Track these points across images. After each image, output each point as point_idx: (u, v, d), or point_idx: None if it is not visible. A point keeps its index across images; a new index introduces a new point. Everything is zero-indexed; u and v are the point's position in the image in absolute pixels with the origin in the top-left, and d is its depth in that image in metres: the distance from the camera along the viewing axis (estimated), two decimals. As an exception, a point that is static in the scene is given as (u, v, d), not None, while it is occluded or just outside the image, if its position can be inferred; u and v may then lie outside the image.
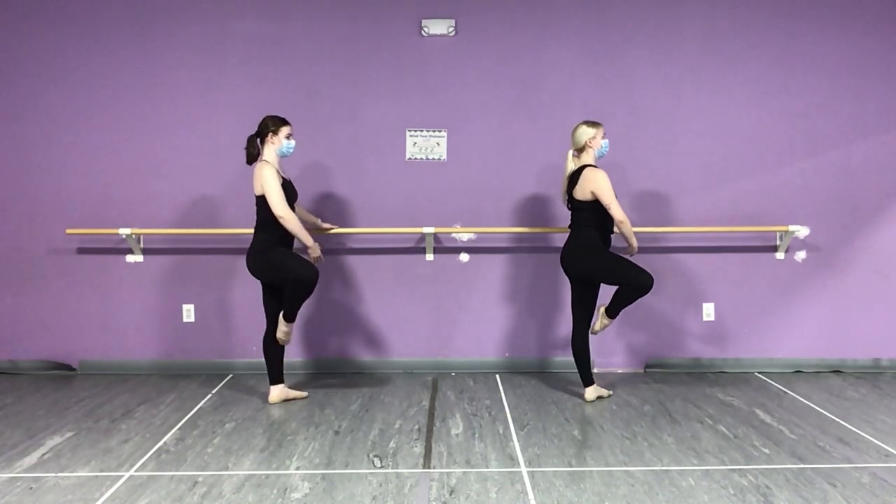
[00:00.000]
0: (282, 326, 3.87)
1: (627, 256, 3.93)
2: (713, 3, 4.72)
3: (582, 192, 3.82)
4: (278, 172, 3.82)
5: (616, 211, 3.76)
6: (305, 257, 3.90)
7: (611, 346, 4.75)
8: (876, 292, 4.75)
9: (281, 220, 3.78)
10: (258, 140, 3.89)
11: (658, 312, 4.76)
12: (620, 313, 3.99)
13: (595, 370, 4.08)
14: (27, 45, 4.69)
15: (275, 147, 3.87)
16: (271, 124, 3.87)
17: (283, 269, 3.78)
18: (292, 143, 3.93)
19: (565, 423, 3.64)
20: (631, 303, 3.84)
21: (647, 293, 3.79)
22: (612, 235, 3.93)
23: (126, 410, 3.90)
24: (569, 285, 4.06)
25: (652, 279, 3.75)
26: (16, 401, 4.10)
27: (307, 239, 3.90)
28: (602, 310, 3.95)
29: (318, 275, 3.79)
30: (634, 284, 3.75)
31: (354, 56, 4.71)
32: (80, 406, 3.99)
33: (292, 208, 3.94)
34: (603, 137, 3.91)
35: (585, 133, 3.87)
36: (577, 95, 4.71)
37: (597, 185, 3.76)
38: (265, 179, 3.76)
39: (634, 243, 3.92)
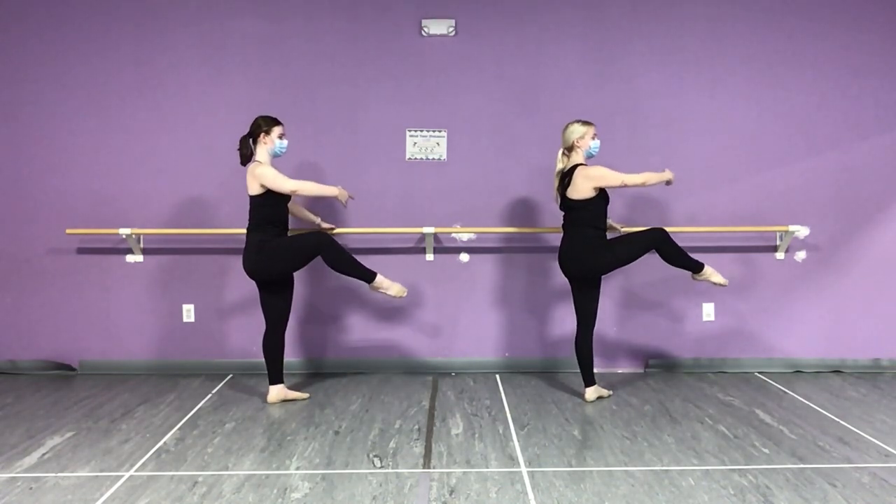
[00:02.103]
0: (381, 287, 3.83)
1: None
2: (713, 3, 4.72)
3: (576, 191, 3.81)
4: None
5: (633, 179, 3.75)
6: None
7: (611, 346, 4.75)
8: (876, 292, 4.75)
9: (297, 193, 3.81)
10: (251, 140, 3.89)
11: (658, 312, 4.76)
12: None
13: (595, 370, 4.08)
14: (26, 44, 4.69)
15: (267, 147, 3.87)
16: (263, 124, 3.87)
17: (299, 248, 3.78)
18: (285, 142, 3.93)
19: (565, 423, 3.64)
20: (681, 250, 3.83)
21: (669, 235, 3.81)
22: (606, 232, 3.93)
23: (126, 410, 3.90)
24: (569, 285, 4.06)
25: (658, 228, 3.83)
26: (16, 401, 4.10)
27: (329, 189, 3.91)
28: (695, 277, 3.92)
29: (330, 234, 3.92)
30: (656, 243, 3.79)
31: (354, 56, 4.71)
32: (80, 406, 3.99)
33: (287, 207, 3.95)
34: (594, 138, 3.88)
35: (575, 132, 3.87)
36: (577, 95, 4.71)
37: (600, 177, 3.75)
38: (261, 175, 3.76)
39: (666, 176, 3.87)
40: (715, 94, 4.73)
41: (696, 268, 3.88)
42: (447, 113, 4.73)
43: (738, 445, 3.30)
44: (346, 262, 3.79)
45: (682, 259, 3.85)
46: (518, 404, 3.99)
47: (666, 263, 3.90)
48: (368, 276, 3.81)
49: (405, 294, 3.92)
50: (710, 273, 3.90)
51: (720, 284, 3.94)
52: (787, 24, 4.72)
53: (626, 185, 3.77)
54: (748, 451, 3.22)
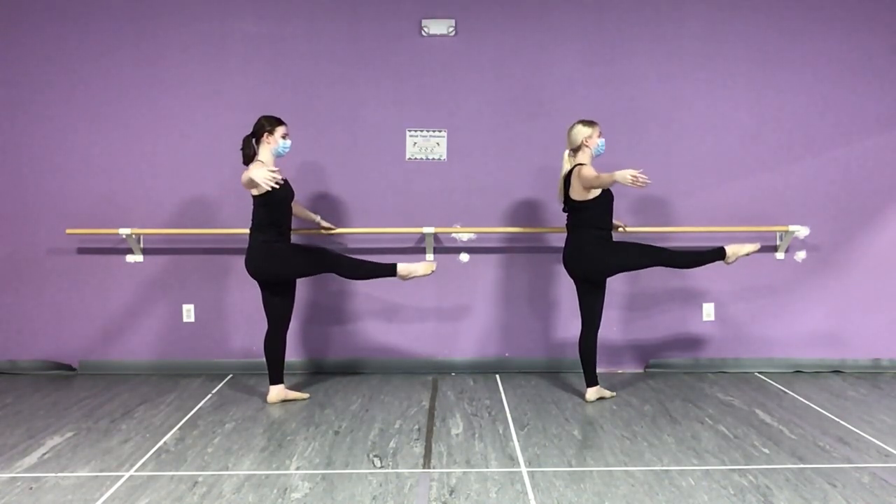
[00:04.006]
0: (409, 274, 3.87)
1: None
2: (713, 3, 4.72)
3: (575, 192, 3.82)
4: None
5: (602, 181, 3.60)
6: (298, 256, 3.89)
7: (612, 346, 4.74)
8: (876, 292, 4.75)
9: (248, 183, 3.65)
10: (254, 140, 3.89)
11: (658, 312, 4.76)
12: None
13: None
14: (26, 44, 4.69)
15: (271, 147, 3.87)
16: (267, 124, 3.87)
17: (309, 264, 3.86)
18: (288, 142, 3.93)
19: (565, 423, 3.64)
20: (693, 255, 3.88)
21: (673, 253, 3.85)
22: (611, 233, 3.93)
23: (126, 410, 3.90)
24: (569, 285, 4.06)
25: (663, 250, 3.84)
26: (16, 401, 4.10)
27: (253, 174, 3.56)
28: (727, 262, 3.92)
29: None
30: (664, 263, 3.82)
31: (354, 56, 4.71)
32: (80, 406, 3.99)
33: (290, 208, 3.95)
34: (599, 136, 3.89)
35: (581, 132, 3.86)
36: (577, 95, 4.71)
37: (581, 177, 3.73)
38: (250, 171, 3.74)
39: (614, 178, 3.51)
40: (715, 94, 4.73)
41: (720, 255, 3.89)
42: (447, 113, 4.73)
43: (738, 445, 3.30)
44: (363, 269, 3.87)
45: (700, 260, 3.88)
46: (518, 404, 3.99)
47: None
48: (391, 271, 3.87)
49: (434, 268, 3.96)
50: (735, 251, 3.89)
51: (754, 252, 3.94)
52: (787, 24, 4.72)
53: (594, 186, 3.69)
54: (748, 451, 3.22)
